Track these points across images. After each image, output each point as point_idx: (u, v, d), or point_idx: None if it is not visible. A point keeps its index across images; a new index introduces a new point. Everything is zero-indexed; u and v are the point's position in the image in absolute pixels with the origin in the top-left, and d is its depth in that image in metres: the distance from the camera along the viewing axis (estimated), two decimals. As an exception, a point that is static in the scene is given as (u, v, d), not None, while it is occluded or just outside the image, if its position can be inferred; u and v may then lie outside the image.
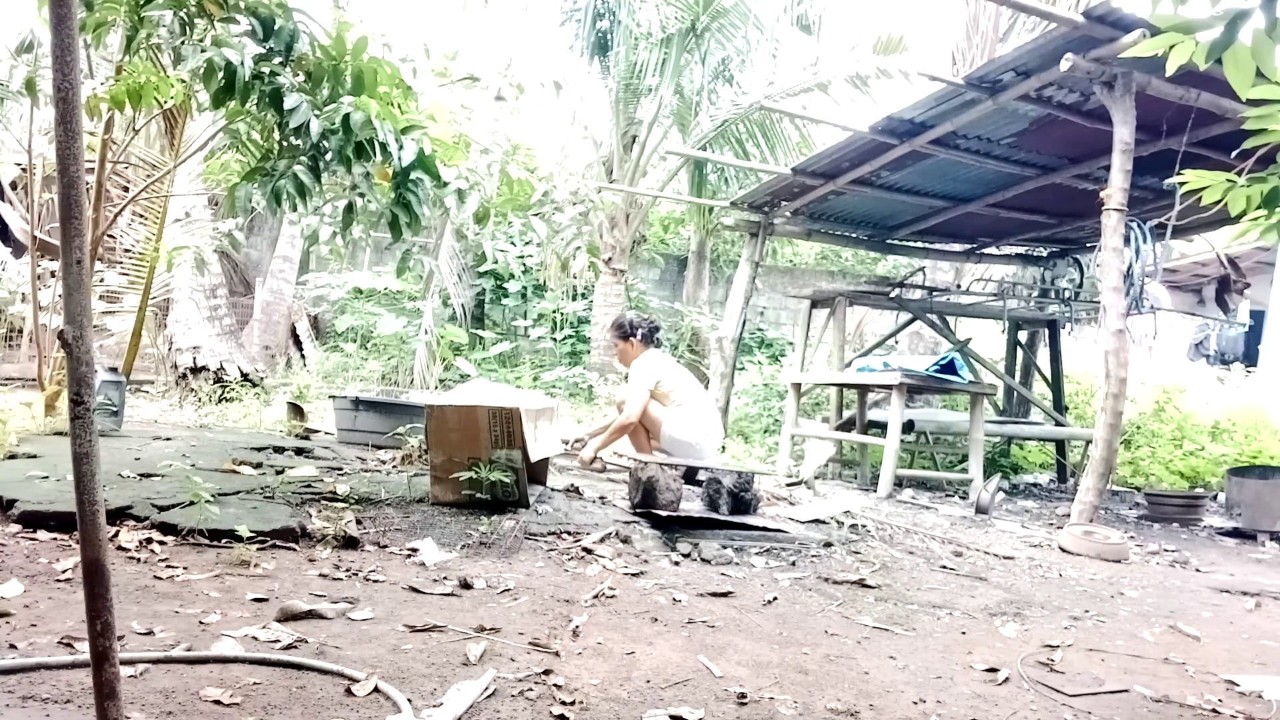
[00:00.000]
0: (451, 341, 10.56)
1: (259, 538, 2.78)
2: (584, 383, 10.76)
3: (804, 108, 10.67)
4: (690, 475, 4.45)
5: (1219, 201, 2.36)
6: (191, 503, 2.82)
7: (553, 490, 4.06)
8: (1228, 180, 2.34)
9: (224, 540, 2.75)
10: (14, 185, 8.98)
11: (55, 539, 2.65)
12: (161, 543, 2.71)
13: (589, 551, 3.15)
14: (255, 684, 1.70)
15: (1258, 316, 12.86)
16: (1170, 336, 13.54)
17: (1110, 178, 4.70)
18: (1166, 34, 1.92)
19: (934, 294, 7.67)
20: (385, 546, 3.00)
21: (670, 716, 1.73)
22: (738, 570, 3.17)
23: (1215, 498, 6.92)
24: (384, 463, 4.49)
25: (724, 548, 3.40)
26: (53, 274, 6.68)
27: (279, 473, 3.73)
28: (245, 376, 8.51)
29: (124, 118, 5.44)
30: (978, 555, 3.84)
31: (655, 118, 11.22)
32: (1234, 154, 2.64)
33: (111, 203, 5.90)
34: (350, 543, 2.94)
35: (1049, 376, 8.09)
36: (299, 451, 4.70)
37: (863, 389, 6.89)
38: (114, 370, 5.11)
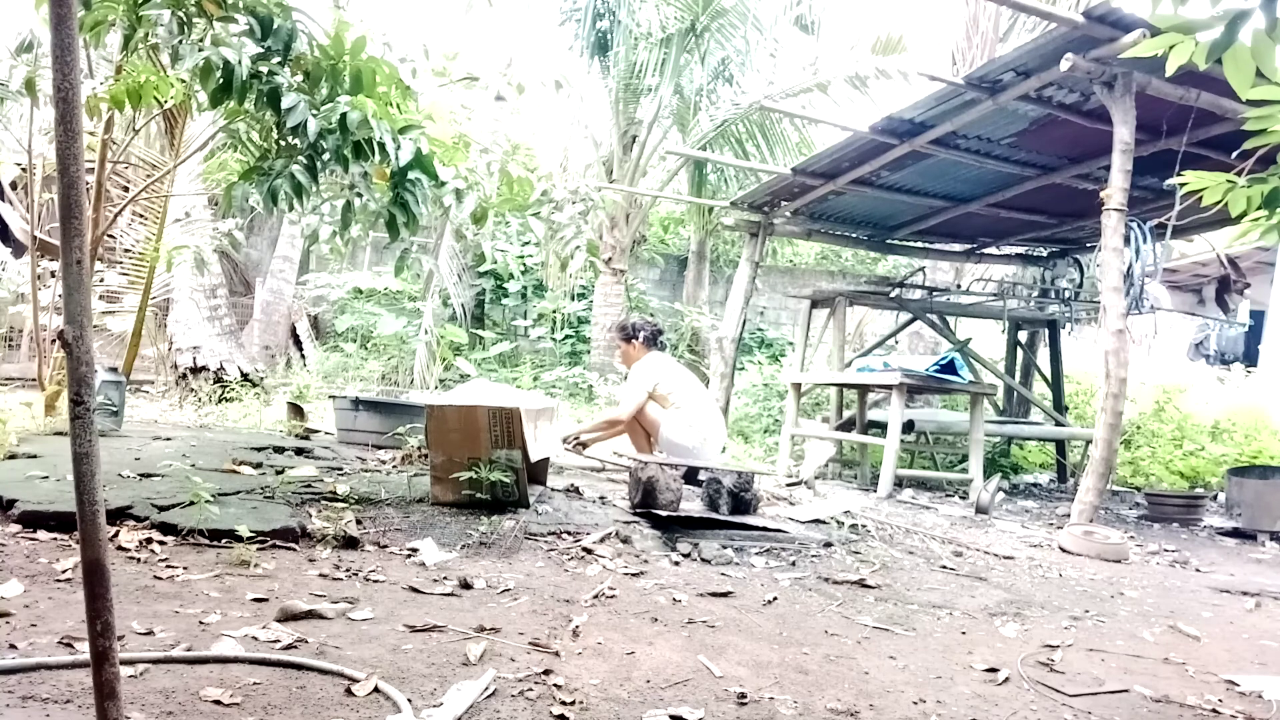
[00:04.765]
0: (451, 341, 10.56)
1: (259, 538, 2.78)
2: (584, 383, 10.76)
3: (804, 108, 10.67)
4: (690, 475, 4.45)
5: (1219, 202, 2.36)
6: (191, 503, 2.82)
7: (553, 490, 4.06)
8: (1228, 181, 2.34)
9: (224, 540, 2.75)
10: (14, 185, 8.97)
11: (55, 539, 2.65)
12: (161, 543, 2.71)
13: (589, 551, 3.15)
14: (255, 684, 1.70)
15: (1258, 316, 12.87)
16: (1170, 336, 13.55)
17: (1110, 178, 4.69)
18: (1166, 34, 1.92)
19: (934, 294, 7.67)
20: (385, 546, 3.00)
21: (670, 716, 1.73)
22: (738, 570, 3.17)
23: (1215, 498, 6.92)
24: (384, 463, 4.49)
25: (724, 548, 3.40)
26: (53, 274, 6.67)
27: (279, 473, 3.73)
28: (245, 376, 8.51)
29: (124, 118, 5.44)
30: (978, 555, 3.84)
31: (655, 118, 11.22)
32: (1234, 154, 2.64)
33: (111, 203, 5.90)
34: (350, 543, 2.94)
35: (1049, 376, 8.09)
36: (299, 451, 4.70)
37: (863, 389, 6.89)
38: (114, 370, 5.11)
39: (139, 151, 7.58)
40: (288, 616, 2.12)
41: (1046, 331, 8.15)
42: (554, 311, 12.64)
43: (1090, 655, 2.48)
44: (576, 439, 5.24)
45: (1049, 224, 7.81)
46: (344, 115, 3.12)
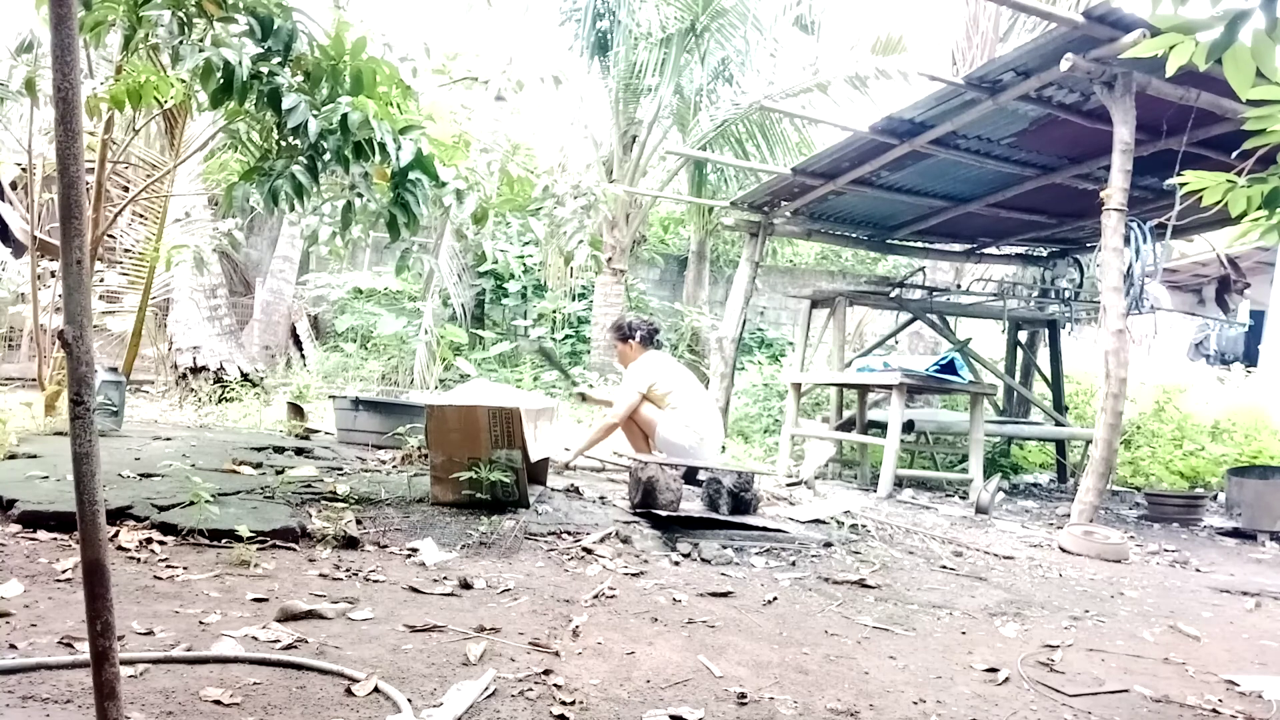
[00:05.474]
0: (451, 341, 10.56)
1: (259, 538, 2.78)
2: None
3: (804, 108, 10.67)
4: (690, 475, 4.45)
5: (1219, 202, 2.36)
6: (191, 503, 2.82)
7: (553, 490, 4.06)
8: (1228, 181, 2.34)
9: (224, 540, 2.75)
10: (14, 185, 8.97)
11: (55, 539, 2.65)
12: (161, 543, 2.71)
13: (589, 551, 3.15)
14: (255, 684, 1.70)
15: (1258, 316, 12.86)
16: (1170, 336, 13.54)
17: (1110, 178, 4.70)
18: (1166, 34, 1.92)
19: (934, 294, 7.67)
20: (385, 546, 3.00)
21: (670, 716, 1.73)
22: (738, 570, 3.17)
23: (1215, 498, 6.92)
24: (384, 463, 4.49)
25: (724, 548, 3.40)
26: (53, 274, 6.67)
27: (279, 473, 3.73)
28: (245, 376, 8.51)
29: (124, 118, 5.44)
30: (978, 555, 3.84)
31: (655, 118, 11.22)
32: (1234, 154, 2.64)
33: (111, 203, 5.90)
34: (350, 543, 2.94)
35: (1049, 376, 8.09)
36: (299, 451, 4.70)
37: (863, 389, 6.89)
38: (114, 370, 5.11)
39: (139, 151, 7.57)
40: (288, 616, 2.12)
41: (1046, 331, 8.15)
42: (554, 311, 12.63)
43: (1090, 655, 2.48)
44: (574, 454, 5.05)
45: (1049, 224, 7.81)
46: (345, 116, 3.12)
